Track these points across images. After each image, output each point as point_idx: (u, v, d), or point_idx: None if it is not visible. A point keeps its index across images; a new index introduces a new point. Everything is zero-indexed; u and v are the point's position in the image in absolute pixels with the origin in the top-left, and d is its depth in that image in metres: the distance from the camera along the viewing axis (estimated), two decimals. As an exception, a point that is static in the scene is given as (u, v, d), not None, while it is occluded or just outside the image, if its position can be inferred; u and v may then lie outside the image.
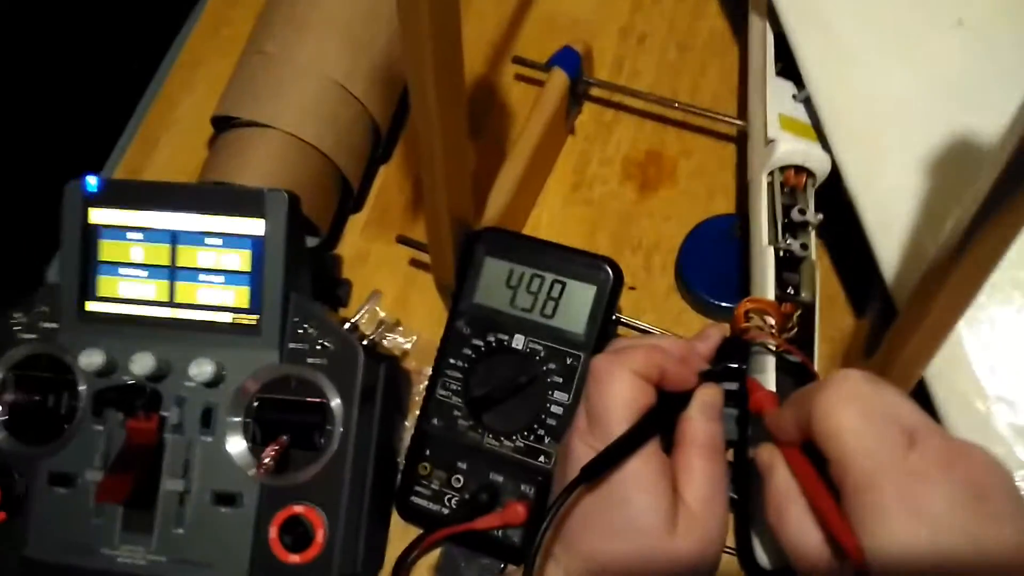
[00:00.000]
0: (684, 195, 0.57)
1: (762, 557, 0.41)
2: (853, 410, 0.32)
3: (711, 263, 0.53)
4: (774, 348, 0.43)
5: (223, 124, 0.55)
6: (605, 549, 0.37)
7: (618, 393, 0.37)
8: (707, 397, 0.40)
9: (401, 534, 0.50)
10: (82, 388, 0.48)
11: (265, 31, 0.56)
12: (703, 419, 0.39)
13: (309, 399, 0.46)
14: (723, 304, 0.52)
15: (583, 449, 0.38)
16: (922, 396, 0.42)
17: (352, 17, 0.56)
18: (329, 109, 0.54)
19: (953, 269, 0.32)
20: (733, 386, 0.42)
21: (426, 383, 0.53)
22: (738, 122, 0.55)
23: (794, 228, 0.47)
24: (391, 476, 0.50)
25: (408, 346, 0.55)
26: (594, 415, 0.38)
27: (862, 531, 0.31)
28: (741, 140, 0.58)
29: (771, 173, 0.48)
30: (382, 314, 0.56)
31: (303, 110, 0.53)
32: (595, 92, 0.61)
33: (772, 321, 0.44)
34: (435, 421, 0.48)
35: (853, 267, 0.53)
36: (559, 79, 0.55)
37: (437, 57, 0.36)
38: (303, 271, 0.48)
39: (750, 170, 0.50)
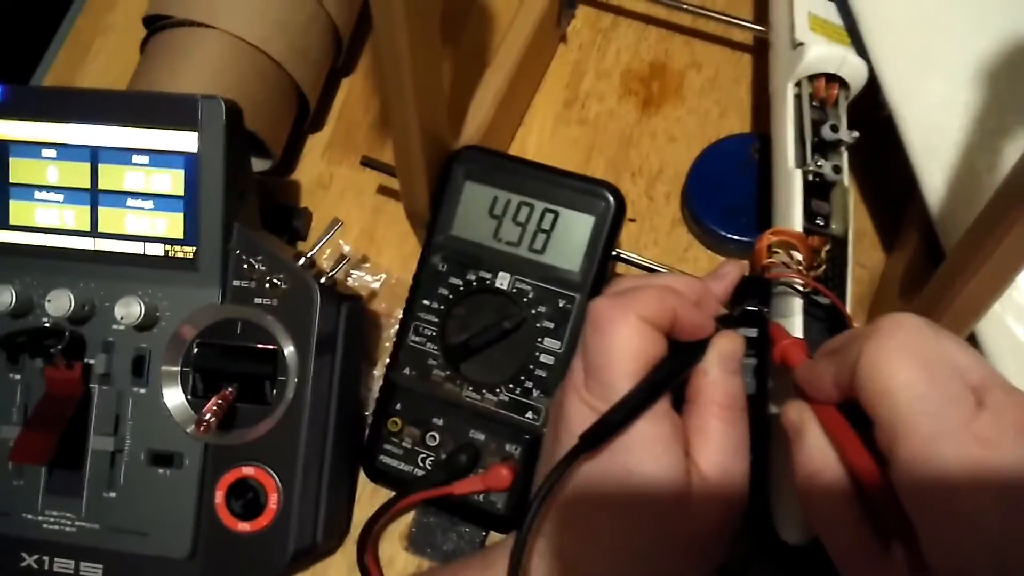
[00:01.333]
0: (693, 113, 0.50)
1: (784, 530, 0.36)
2: (910, 363, 0.26)
3: (724, 191, 0.46)
4: (801, 288, 0.37)
5: (157, 26, 0.47)
6: (605, 528, 0.31)
7: (623, 343, 0.31)
8: (726, 347, 0.34)
9: (369, 498, 0.44)
10: (-7, 332, 0.41)
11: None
12: (722, 373, 0.33)
13: (258, 345, 0.39)
14: (737, 238, 0.45)
15: (580, 409, 0.32)
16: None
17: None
18: (279, 8, 0.46)
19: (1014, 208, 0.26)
20: (752, 332, 0.36)
21: (396, 327, 0.47)
22: (757, 27, 0.48)
23: (824, 148, 0.40)
24: (357, 433, 0.44)
25: (376, 285, 0.49)
26: (594, 368, 0.32)
27: (920, 509, 0.25)
28: (759, 50, 0.51)
29: (799, 84, 0.41)
30: (346, 248, 0.49)
31: (249, 7, 0.45)
32: (591, -6, 0.53)
33: (799, 256, 0.37)
34: (407, 371, 0.41)
35: (882, 195, 0.47)
36: (550, -25, 0.47)
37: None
38: (248, 196, 0.41)
39: (773, 80, 0.43)
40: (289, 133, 0.49)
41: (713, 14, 0.49)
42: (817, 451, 0.30)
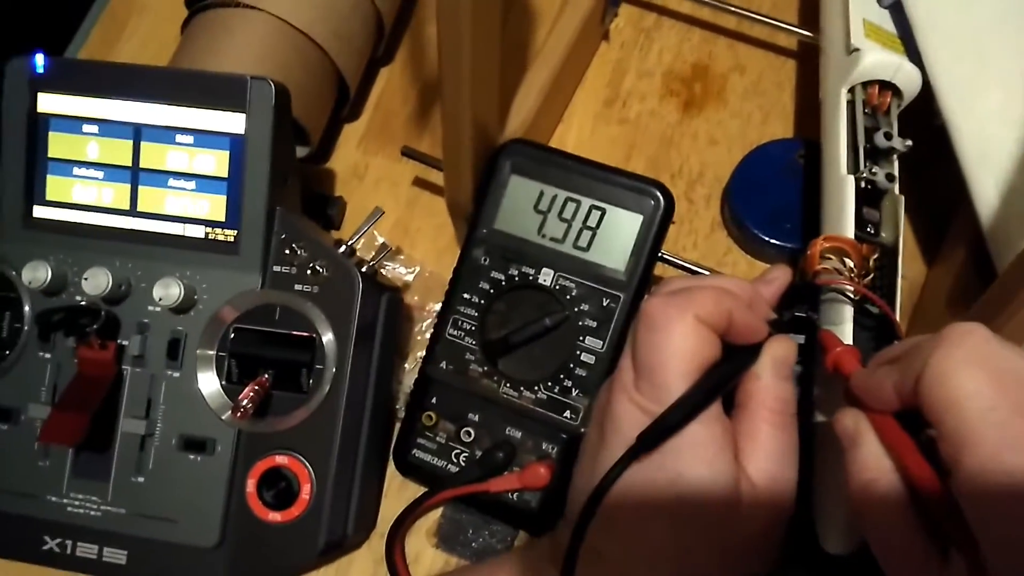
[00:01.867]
0: (735, 117, 0.50)
1: (828, 539, 0.35)
2: (978, 373, 0.26)
3: (766, 196, 0.46)
4: (852, 296, 0.36)
5: (199, 6, 0.46)
6: (651, 531, 0.31)
7: (679, 343, 0.31)
8: (779, 351, 0.33)
9: (396, 492, 0.43)
10: (27, 308, 0.40)
11: None
12: (774, 378, 0.33)
13: (296, 332, 0.39)
14: (779, 243, 0.45)
15: (630, 409, 0.31)
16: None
17: None
18: (327, -5, 0.46)
19: None
20: (799, 339, 0.35)
21: (429, 321, 0.46)
22: (804, 32, 0.48)
23: (876, 155, 0.40)
24: (387, 425, 0.43)
25: (410, 278, 0.48)
26: (646, 369, 0.31)
27: (985, 527, 0.24)
28: (804, 55, 0.51)
29: (852, 90, 0.41)
30: (381, 239, 0.48)
31: (297, -8, 0.45)
32: (635, -8, 0.52)
33: (851, 264, 0.37)
34: (443, 365, 0.41)
35: (925, 205, 0.46)
36: (598, -29, 0.47)
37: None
38: (292, 181, 0.41)
39: (824, 85, 0.43)
40: (328, 121, 0.49)
41: (759, 16, 0.48)
42: (873, 459, 0.29)
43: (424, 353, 0.41)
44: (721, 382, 0.31)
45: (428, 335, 0.43)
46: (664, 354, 0.31)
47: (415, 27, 0.53)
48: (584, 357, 0.39)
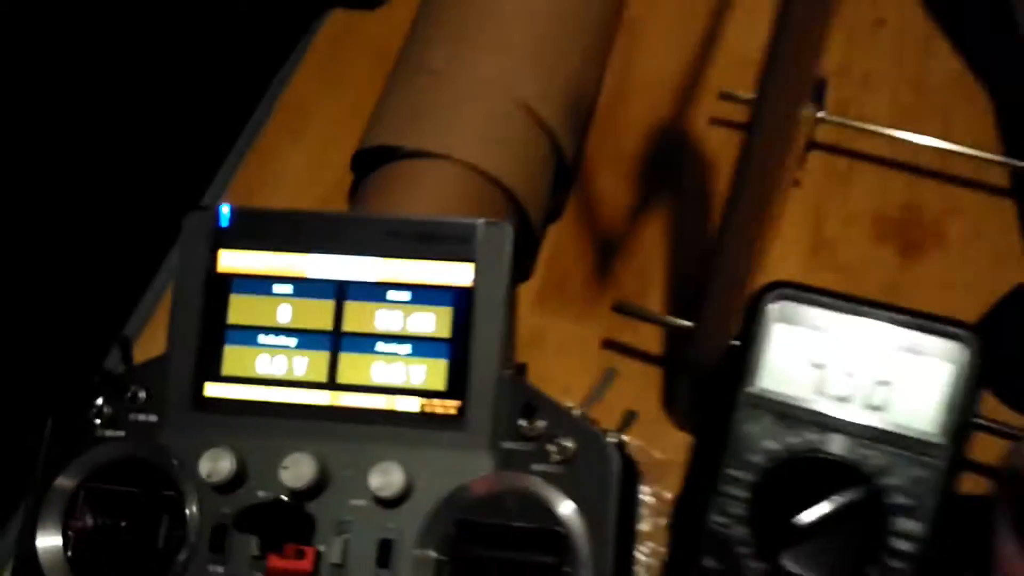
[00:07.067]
0: (963, 260, 0.44)
1: None
2: None
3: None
4: None
5: (368, 164, 0.42)
6: None
7: None
8: None
9: None
10: (193, 509, 0.33)
11: (426, 49, 0.44)
12: None
13: (541, 526, 0.31)
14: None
15: None
16: None
17: (538, 27, 0.44)
18: (516, 137, 0.41)
19: None
20: None
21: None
22: (1019, 163, 0.44)
23: None
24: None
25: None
26: None
27: None
28: (1019, 190, 0.46)
29: None
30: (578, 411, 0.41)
31: (485, 137, 0.41)
32: (821, 137, 0.49)
33: None
34: (708, 562, 0.33)
35: None
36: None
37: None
38: (512, 340, 0.35)
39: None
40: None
41: (967, 149, 0.44)
42: None
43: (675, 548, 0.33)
44: None
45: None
46: None
47: (582, 180, 0.49)
48: (898, 544, 0.31)
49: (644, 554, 0.38)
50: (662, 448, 0.41)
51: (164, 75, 0.56)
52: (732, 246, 0.31)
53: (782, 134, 0.28)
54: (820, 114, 0.46)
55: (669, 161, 0.50)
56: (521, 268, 0.45)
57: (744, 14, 0.54)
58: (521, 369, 0.42)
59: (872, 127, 0.47)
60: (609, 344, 0.44)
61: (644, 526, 0.39)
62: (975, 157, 0.45)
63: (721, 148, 0.50)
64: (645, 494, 0.39)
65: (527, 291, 0.46)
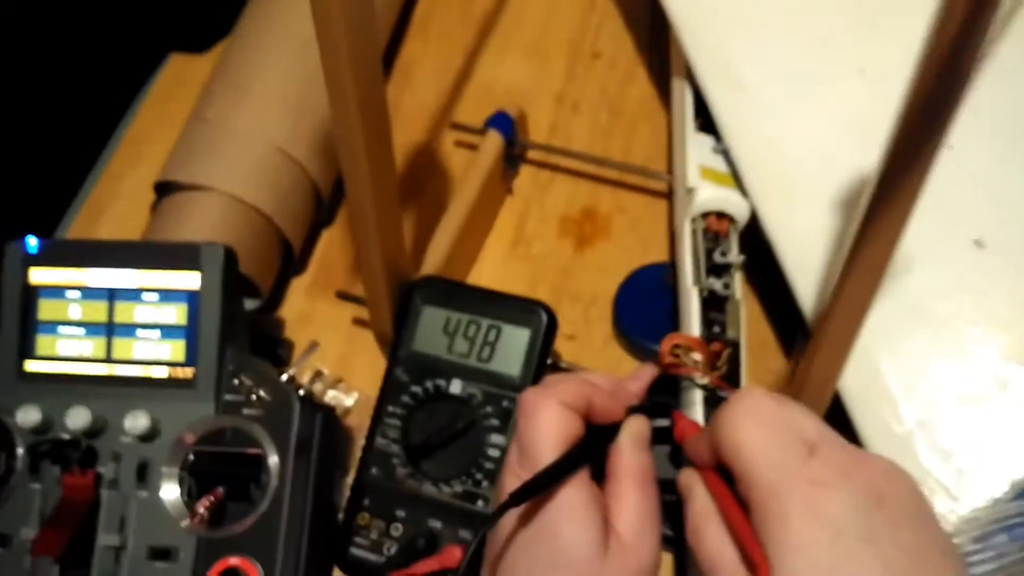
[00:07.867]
0: (619, 248, 0.59)
1: (697, 590, 0.41)
2: (754, 424, 0.34)
3: (646, 310, 0.54)
4: (702, 383, 0.44)
5: (165, 191, 0.56)
6: None
7: (546, 424, 0.38)
8: (635, 428, 0.41)
9: (342, 589, 0.49)
10: (19, 448, 0.47)
11: (207, 99, 0.58)
12: (632, 449, 0.40)
13: (245, 451, 0.46)
14: (656, 348, 0.53)
15: (513, 482, 0.38)
16: (846, 425, 0.43)
17: (293, 84, 0.58)
18: (270, 173, 0.56)
19: (845, 286, 0.34)
20: (666, 422, 0.43)
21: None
22: (669, 177, 0.58)
23: (718, 270, 0.49)
24: (331, 530, 0.50)
25: (350, 403, 0.56)
26: (523, 447, 0.38)
27: (767, 540, 0.31)
28: (671, 196, 0.61)
29: (694, 220, 0.50)
30: (324, 370, 0.56)
31: (244, 173, 0.55)
32: (533, 155, 0.63)
33: (698, 357, 0.45)
34: (374, 471, 0.48)
35: (782, 311, 0.55)
36: (493, 140, 0.58)
37: (364, 116, 0.38)
38: (239, 324, 0.49)
39: (676, 218, 0.52)
40: (276, 276, 0.58)
41: (632, 168, 0.59)
42: (701, 506, 0.36)
43: (358, 463, 0.48)
44: (583, 452, 0.38)
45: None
46: (535, 433, 0.38)
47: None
48: (491, 452, 0.46)
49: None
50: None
51: (28, 108, 0.69)
52: (365, 249, 0.45)
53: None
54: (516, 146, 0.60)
55: (419, 177, 0.64)
56: (285, 273, 0.59)
57: (494, 54, 0.69)
58: (284, 343, 0.57)
59: (567, 148, 0.61)
60: (357, 322, 0.59)
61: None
62: (640, 173, 0.60)
63: (460, 166, 0.64)
64: (358, 429, 0.54)
65: (301, 282, 0.61)
